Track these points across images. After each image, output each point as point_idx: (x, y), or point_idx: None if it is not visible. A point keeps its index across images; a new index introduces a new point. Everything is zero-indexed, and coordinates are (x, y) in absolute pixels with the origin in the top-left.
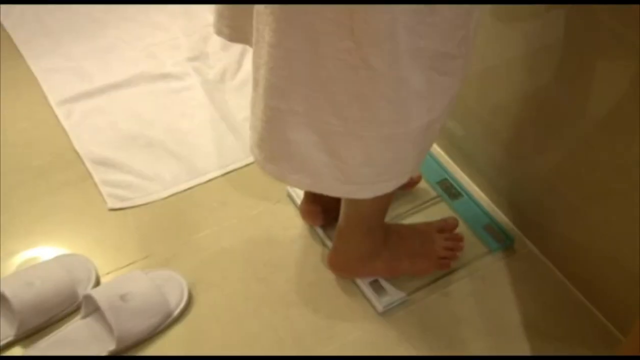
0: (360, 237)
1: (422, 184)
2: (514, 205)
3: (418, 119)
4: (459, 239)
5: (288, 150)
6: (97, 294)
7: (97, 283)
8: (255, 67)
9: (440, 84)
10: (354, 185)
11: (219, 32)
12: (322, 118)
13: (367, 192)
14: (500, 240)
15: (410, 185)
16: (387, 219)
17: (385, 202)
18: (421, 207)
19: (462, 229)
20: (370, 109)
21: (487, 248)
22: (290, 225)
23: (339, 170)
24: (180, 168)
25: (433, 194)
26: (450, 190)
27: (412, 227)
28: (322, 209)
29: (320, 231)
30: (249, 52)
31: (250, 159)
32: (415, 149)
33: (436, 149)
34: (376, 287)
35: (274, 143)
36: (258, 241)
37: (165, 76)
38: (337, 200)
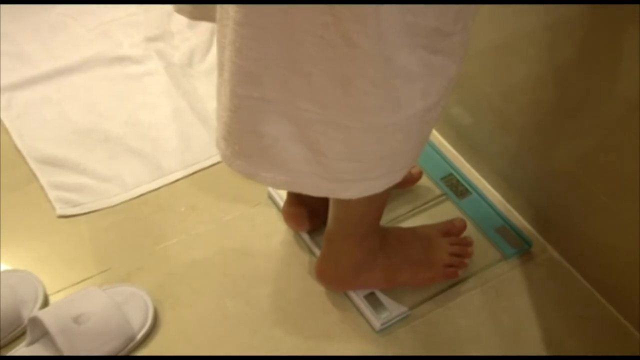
0: (353, 244)
1: (424, 181)
2: (532, 203)
3: (410, 106)
4: (468, 243)
5: (259, 144)
6: (45, 316)
7: (46, 303)
8: (220, 49)
9: (434, 65)
10: (338, 183)
11: (179, 10)
12: (298, 105)
13: (354, 191)
14: (516, 244)
15: (409, 182)
16: (384, 221)
17: (379, 202)
18: (423, 208)
19: (471, 232)
20: (353, 94)
21: (501, 254)
22: (272, 231)
23: (319, 166)
24: (142, 167)
25: (437, 192)
26: (456, 187)
27: (413, 231)
28: (308, 212)
29: (306, 237)
30: None
31: None
32: (409, 140)
33: (440, 140)
34: (372, 301)
35: (243, 136)
36: (234, 251)
37: (122, 59)
38: (326, 202)
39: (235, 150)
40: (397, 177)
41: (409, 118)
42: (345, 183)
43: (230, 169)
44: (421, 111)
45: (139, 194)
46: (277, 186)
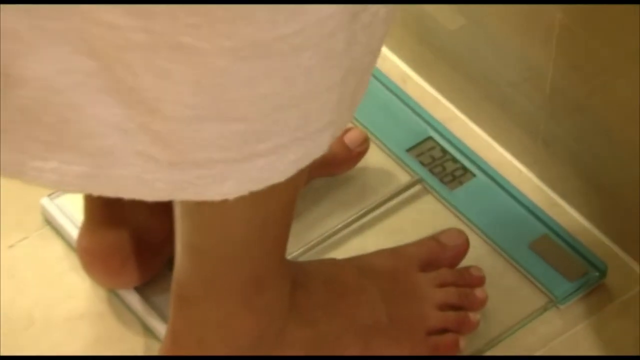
0: (232, 306)
1: (376, 158)
2: (601, 193)
3: (322, 2)
4: (474, 281)
5: (21, 103)
6: None
7: None
8: None
9: None
10: (193, 169)
11: None
12: (96, 17)
13: (228, 184)
14: (575, 272)
15: (343, 162)
16: (300, 245)
17: (284, 206)
18: (377, 213)
19: (480, 255)
20: None
21: (547, 294)
22: (58, 293)
23: (151, 136)
24: None
25: (403, 177)
26: (442, 164)
27: (362, 265)
28: (133, 244)
29: (135, 300)
30: None
31: None
32: (327, 70)
33: (403, 70)
34: None
35: None
36: None
37: None
38: (169, 218)
39: None
40: (313, 150)
41: (322, 24)
42: (208, 168)
43: None
44: (343, 13)
45: None
46: (66, 186)
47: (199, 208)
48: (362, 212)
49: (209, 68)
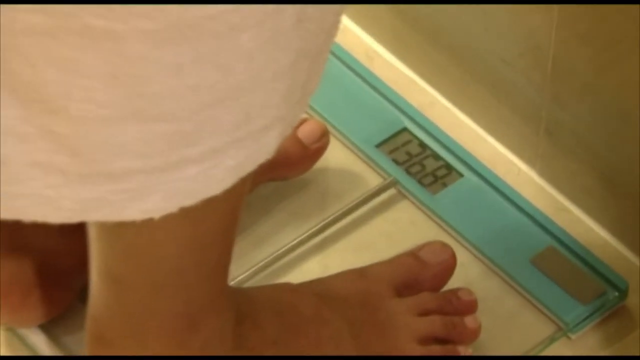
0: (160, 344)
1: (337, 156)
2: (619, 193)
3: None
4: (463, 308)
5: None
6: None
7: None
8: None
9: None
10: (108, 184)
11: None
12: None
13: (153, 198)
14: (588, 293)
15: (298, 162)
16: (248, 268)
17: (221, 223)
18: (344, 224)
19: (469, 275)
20: None
21: (554, 321)
22: None
23: (52, 141)
24: None
25: (373, 180)
26: (421, 161)
27: (324, 290)
28: (37, 271)
29: (41, 340)
30: None
31: None
32: (273, 58)
33: (369, 45)
34: None
35: None
36: None
37: None
38: (79, 239)
39: None
40: (257, 152)
41: None
42: (127, 181)
43: None
44: None
45: None
46: None
47: (117, 230)
48: (322, 224)
49: (124, 56)
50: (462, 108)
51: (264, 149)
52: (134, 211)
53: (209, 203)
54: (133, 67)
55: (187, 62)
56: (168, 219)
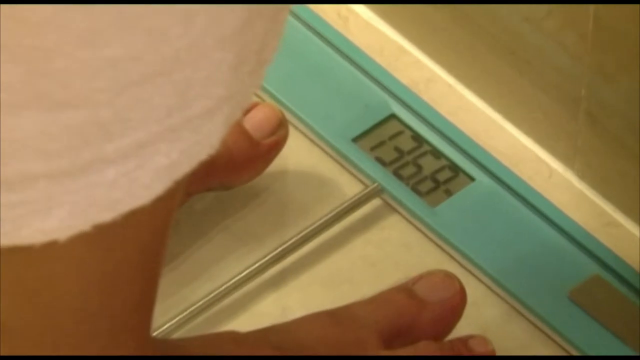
0: None
1: (301, 153)
2: None
3: None
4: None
5: None
6: None
7: None
8: None
9: None
10: None
11: None
12: None
13: (55, 211)
14: None
15: (246, 163)
16: (179, 312)
17: (144, 248)
18: (310, 249)
19: (485, 316)
20: None
21: None
22: None
23: None
24: None
25: (350, 187)
26: (417, 160)
27: (285, 339)
28: None
29: None
30: None
31: None
32: (217, 17)
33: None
34: None
35: None
36: None
37: None
38: None
39: None
40: (196, 146)
41: None
42: (23, 190)
43: None
44: None
45: None
46: None
47: (7, 259)
48: (280, 249)
49: (21, 22)
50: (470, 86)
51: (206, 141)
52: (33, 231)
53: (130, 220)
54: (33, 36)
55: (103, 26)
56: (75, 242)
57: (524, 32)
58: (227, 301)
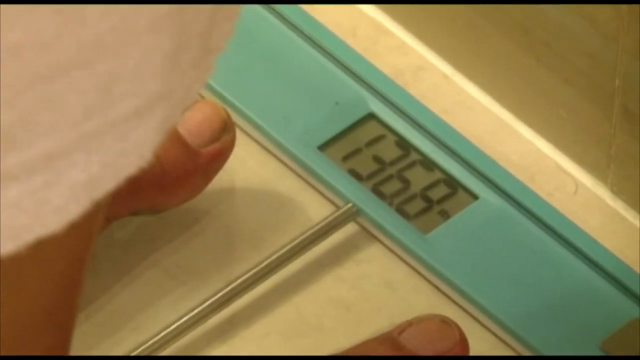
0: None
1: (256, 165)
2: None
3: None
4: None
5: None
6: None
7: None
8: None
9: None
10: None
11: None
12: None
13: None
14: None
15: (183, 178)
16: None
17: (56, 286)
18: (267, 288)
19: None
20: None
21: None
22: None
23: None
24: None
25: (317, 209)
26: (403, 174)
27: None
28: None
29: None
30: None
31: None
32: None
33: None
34: None
35: None
36: None
37: None
38: None
39: None
40: (123, 157)
41: None
42: None
43: None
44: None
45: None
46: None
47: None
48: (226, 290)
49: None
50: (472, 76)
51: (134, 151)
52: None
53: (38, 252)
54: None
55: (2, 5)
56: None
57: (542, 6)
58: (163, 352)
